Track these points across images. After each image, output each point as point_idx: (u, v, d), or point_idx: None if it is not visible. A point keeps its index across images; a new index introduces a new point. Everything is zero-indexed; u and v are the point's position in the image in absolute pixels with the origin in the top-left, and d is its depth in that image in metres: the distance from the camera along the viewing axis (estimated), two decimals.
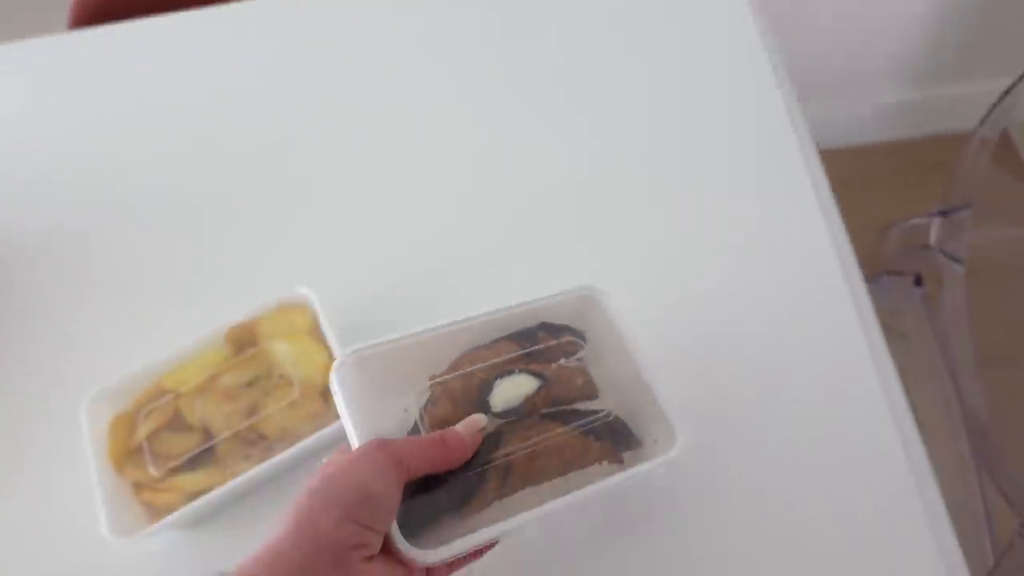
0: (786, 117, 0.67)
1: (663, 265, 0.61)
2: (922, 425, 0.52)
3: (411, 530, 0.43)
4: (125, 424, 0.55)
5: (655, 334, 0.52)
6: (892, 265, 0.96)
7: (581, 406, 0.49)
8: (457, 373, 0.50)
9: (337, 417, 0.52)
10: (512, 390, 0.50)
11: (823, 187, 0.62)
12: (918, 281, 0.92)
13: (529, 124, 0.73)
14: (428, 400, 0.49)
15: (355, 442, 0.45)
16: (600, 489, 0.45)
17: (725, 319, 0.57)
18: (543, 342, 0.52)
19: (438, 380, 0.49)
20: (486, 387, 0.50)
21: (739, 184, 0.64)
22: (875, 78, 1.45)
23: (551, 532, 0.50)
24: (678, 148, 0.68)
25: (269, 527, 0.50)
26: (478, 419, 0.46)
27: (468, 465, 0.46)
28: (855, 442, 0.51)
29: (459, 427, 0.45)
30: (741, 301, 0.58)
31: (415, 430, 0.48)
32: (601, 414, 0.48)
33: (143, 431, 0.54)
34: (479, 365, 0.50)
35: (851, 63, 1.39)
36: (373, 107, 0.76)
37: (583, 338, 0.53)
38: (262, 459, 0.52)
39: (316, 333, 0.57)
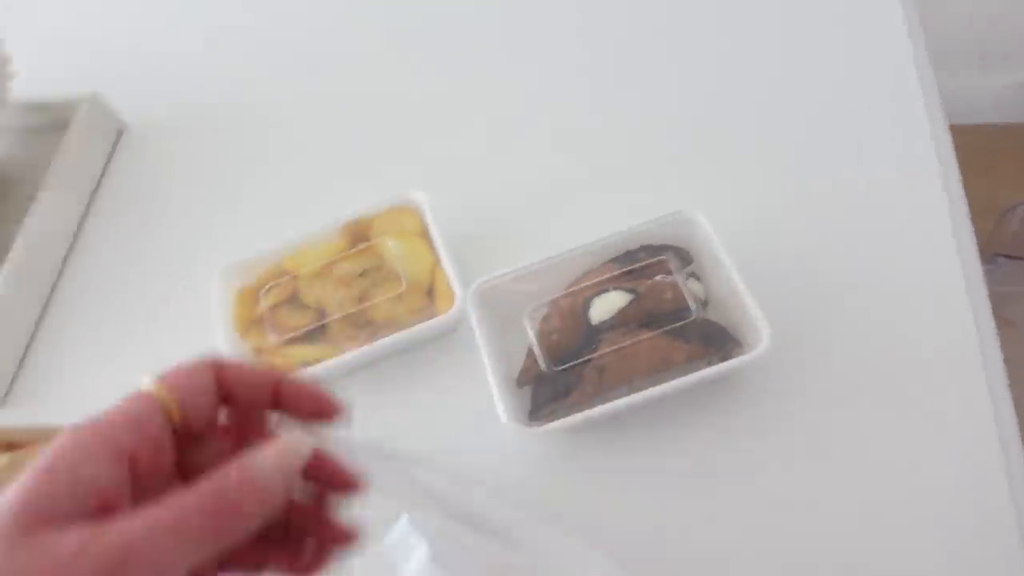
0: (918, 85, 0.64)
1: (773, 204, 0.61)
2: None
3: (520, 416, 0.51)
4: (249, 297, 0.60)
5: (753, 258, 0.52)
6: (1010, 249, 0.92)
7: (673, 316, 0.52)
8: (565, 293, 0.55)
9: (437, 313, 0.57)
10: (607, 305, 0.54)
11: (948, 158, 0.60)
12: None
13: (647, 50, 0.73)
14: (542, 317, 0.55)
15: (487, 361, 0.52)
16: (687, 383, 0.49)
17: (830, 267, 0.57)
18: (642, 261, 0.55)
19: (551, 300, 0.55)
20: (587, 304, 0.54)
21: (860, 141, 0.63)
22: (1015, 56, 1.36)
23: (643, 429, 0.52)
24: (799, 93, 0.67)
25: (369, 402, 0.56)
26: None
27: (568, 366, 0.51)
28: (948, 420, 0.49)
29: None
30: (847, 252, 0.57)
31: (531, 350, 0.54)
32: (690, 320, 0.51)
33: (265, 304, 0.59)
34: (584, 285, 0.55)
35: (991, 36, 1.31)
36: (496, 24, 0.79)
37: (687, 256, 0.55)
38: (368, 341, 0.56)
39: (425, 236, 0.60)
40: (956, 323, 0.52)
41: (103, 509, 0.25)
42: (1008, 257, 0.91)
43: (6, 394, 0.66)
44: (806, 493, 0.48)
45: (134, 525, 0.24)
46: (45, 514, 0.24)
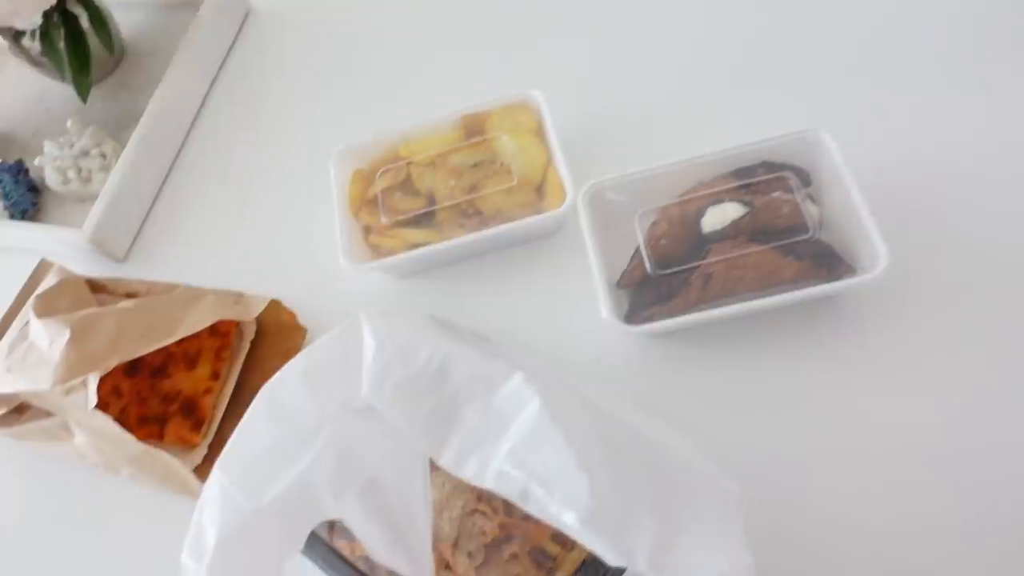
0: None
1: (901, 130, 0.58)
2: None
3: (619, 317, 0.52)
4: (363, 178, 0.62)
5: (874, 184, 0.51)
6: None
7: (787, 233, 0.51)
8: (678, 200, 0.55)
9: (545, 209, 0.58)
10: (720, 215, 0.53)
11: None
12: None
13: None
14: (652, 222, 0.55)
15: (594, 260, 0.53)
16: (797, 297, 0.48)
17: (954, 198, 0.54)
18: (759, 177, 0.54)
19: (660, 206, 0.55)
20: (700, 213, 0.54)
21: (996, 66, 0.59)
22: None
23: (743, 343, 0.53)
24: (936, 15, 0.63)
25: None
26: None
27: (674, 271, 0.52)
28: None
29: None
30: (974, 186, 0.55)
31: (637, 252, 0.54)
32: (803, 238, 0.50)
33: (378, 185, 0.61)
34: (698, 194, 0.54)
35: None
36: None
37: (807, 177, 0.54)
38: (475, 230, 0.58)
39: (540, 133, 0.61)
40: None
41: None
42: None
43: (128, 250, 0.71)
44: (904, 419, 0.48)
45: None
46: None
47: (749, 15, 0.67)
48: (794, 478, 0.48)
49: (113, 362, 0.50)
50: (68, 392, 0.49)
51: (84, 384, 0.49)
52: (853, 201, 0.51)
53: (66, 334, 0.51)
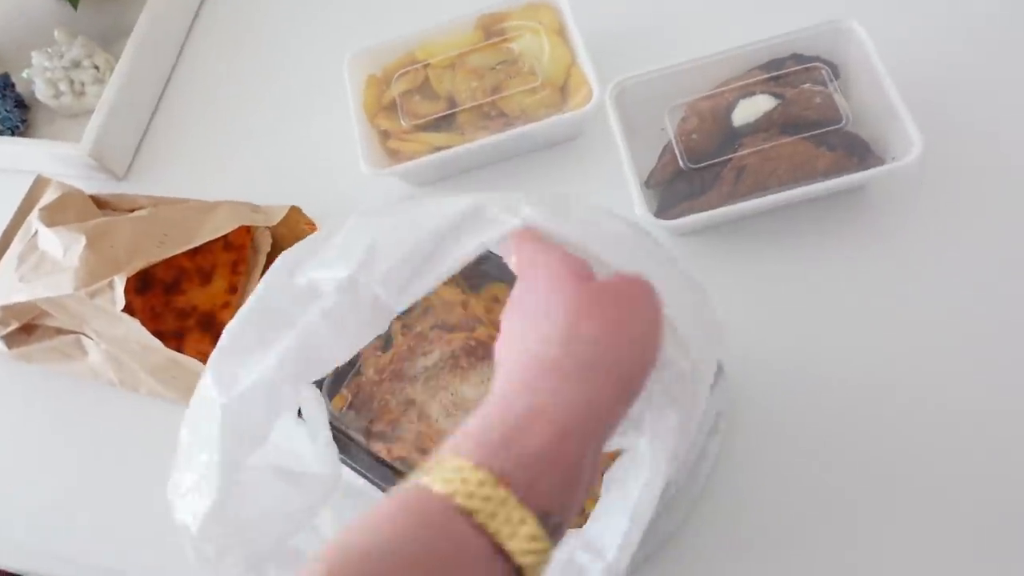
0: None
1: (929, 17, 0.58)
2: None
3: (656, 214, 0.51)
4: (378, 83, 0.60)
5: (905, 73, 0.51)
6: None
7: (819, 123, 0.51)
8: (707, 94, 0.54)
9: (568, 108, 0.56)
10: (751, 108, 0.53)
11: None
12: None
13: None
14: (682, 117, 0.54)
15: (625, 157, 0.51)
16: (830, 187, 0.48)
17: (984, 88, 0.54)
18: (790, 69, 0.53)
19: (690, 102, 0.54)
20: (731, 106, 0.53)
21: None
22: None
23: (776, 236, 0.52)
24: None
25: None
26: None
27: (706, 164, 0.51)
28: None
29: None
30: (1005, 74, 0.55)
31: (667, 148, 0.53)
32: (835, 128, 0.50)
33: (396, 89, 0.59)
34: (729, 87, 0.54)
35: None
36: None
37: (836, 70, 0.53)
38: (498, 131, 0.56)
39: (562, 33, 0.59)
40: None
41: None
42: None
43: (129, 167, 0.68)
44: (936, 314, 0.48)
45: None
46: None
47: None
48: (828, 363, 0.48)
49: (138, 264, 0.48)
50: (92, 296, 0.47)
51: (110, 286, 0.47)
52: (885, 91, 0.50)
53: (82, 240, 0.49)
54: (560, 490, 0.25)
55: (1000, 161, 0.52)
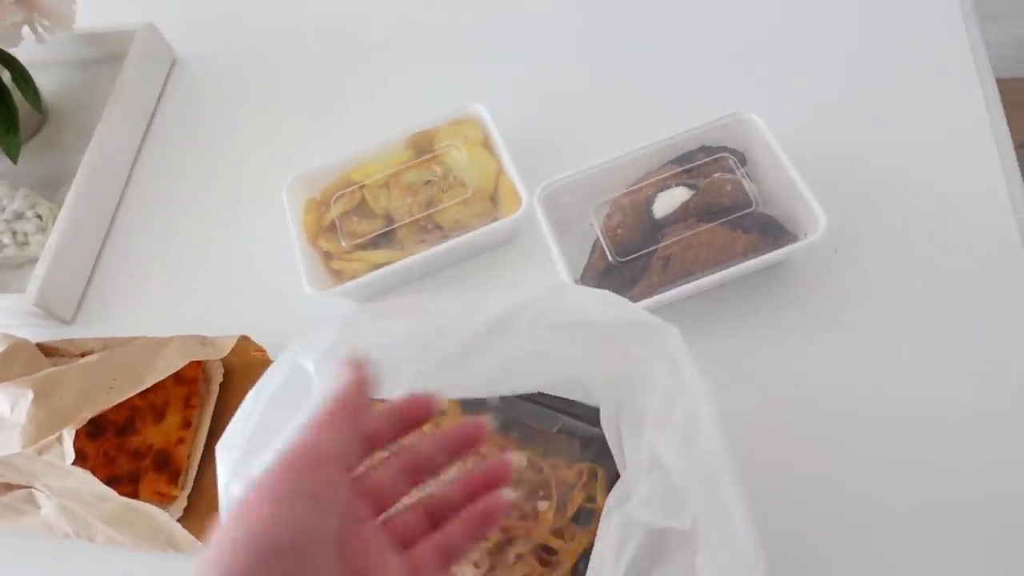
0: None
1: (825, 105, 0.62)
2: None
3: None
4: (317, 206, 0.63)
5: (805, 157, 0.55)
6: None
7: (732, 208, 0.54)
8: (627, 191, 0.57)
9: (499, 215, 0.59)
10: (669, 200, 0.56)
11: (983, 60, 0.62)
12: None
13: None
14: (606, 214, 0.57)
15: (557, 256, 0.55)
16: (748, 267, 0.51)
17: (877, 166, 0.59)
18: (700, 160, 0.57)
19: (612, 198, 0.57)
20: (650, 200, 0.57)
21: (906, 46, 0.64)
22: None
23: (705, 317, 0.55)
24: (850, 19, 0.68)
25: None
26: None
27: (634, 257, 0.54)
28: (991, 310, 0.51)
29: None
30: (894, 152, 0.59)
31: (597, 244, 0.56)
32: (748, 211, 0.53)
33: (335, 211, 0.61)
34: (646, 182, 0.58)
35: None
36: None
37: (742, 158, 0.57)
38: (436, 243, 0.58)
39: (487, 144, 0.63)
40: (997, 215, 0.54)
41: None
42: None
43: (76, 312, 0.68)
44: (853, 378, 0.51)
45: None
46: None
47: (671, 17, 0.71)
48: (755, 429, 0.49)
49: (86, 415, 0.48)
50: (41, 452, 0.47)
51: (59, 441, 0.47)
52: (787, 174, 0.54)
53: (29, 395, 0.49)
54: None
55: (899, 226, 0.56)
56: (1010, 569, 0.44)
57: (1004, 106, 0.60)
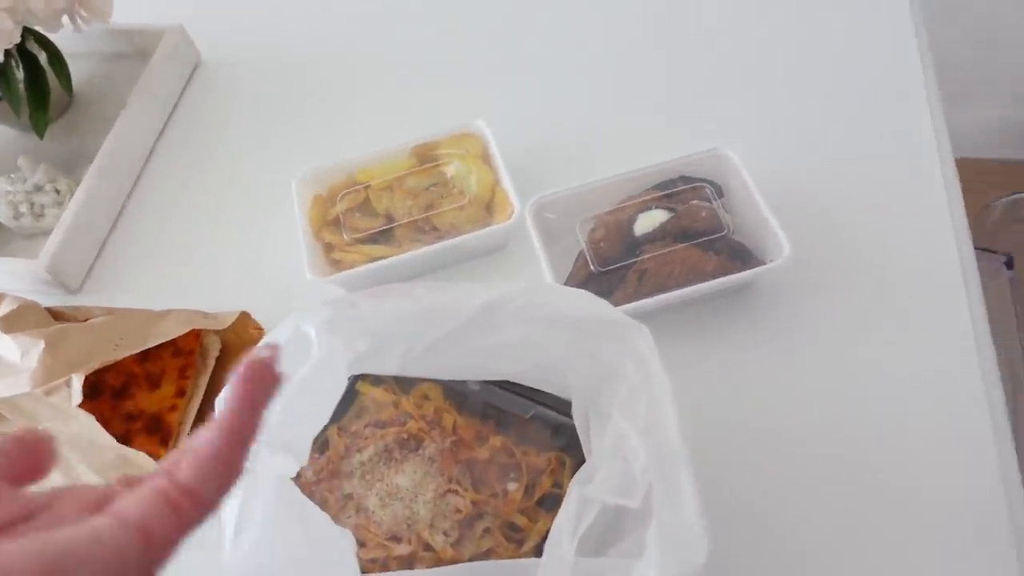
0: (918, 61, 0.74)
1: (794, 144, 0.69)
2: None
3: None
4: (325, 201, 0.67)
5: (776, 190, 0.60)
6: (988, 242, 1.01)
7: (706, 232, 0.59)
8: (611, 210, 0.63)
9: (493, 223, 0.64)
10: (649, 220, 0.62)
11: (937, 107, 0.69)
12: (1009, 264, 0.97)
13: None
14: (591, 228, 0.62)
15: (544, 264, 0.60)
16: (716, 286, 0.56)
17: (839, 201, 0.65)
18: (680, 188, 0.63)
19: (598, 215, 0.63)
20: (632, 219, 0.62)
21: (868, 91, 0.71)
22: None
23: (674, 329, 0.60)
24: (820, 51, 0.75)
25: None
26: None
27: (613, 268, 0.59)
28: (931, 334, 0.57)
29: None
30: (855, 190, 0.65)
31: (580, 255, 0.61)
32: (720, 236, 0.58)
33: (340, 207, 0.66)
34: (629, 203, 0.63)
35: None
36: None
37: (719, 189, 0.63)
38: (431, 244, 0.63)
39: (486, 158, 0.68)
40: (942, 249, 0.61)
41: None
42: (985, 251, 1.00)
43: (83, 281, 0.72)
44: (810, 388, 0.56)
45: None
46: None
47: (660, 58, 0.78)
48: (716, 438, 0.54)
49: (95, 364, 0.51)
50: (48, 393, 0.50)
51: (67, 384, 0.50)
52: (758, 207, 0.60)
53: (40, 344, 0.53)
54: None
55: (855, 253, 0.62)
56: (968, 566, 0.48)
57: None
